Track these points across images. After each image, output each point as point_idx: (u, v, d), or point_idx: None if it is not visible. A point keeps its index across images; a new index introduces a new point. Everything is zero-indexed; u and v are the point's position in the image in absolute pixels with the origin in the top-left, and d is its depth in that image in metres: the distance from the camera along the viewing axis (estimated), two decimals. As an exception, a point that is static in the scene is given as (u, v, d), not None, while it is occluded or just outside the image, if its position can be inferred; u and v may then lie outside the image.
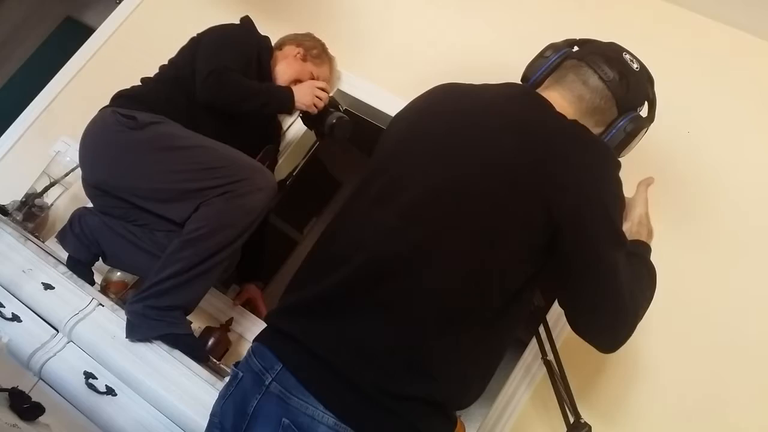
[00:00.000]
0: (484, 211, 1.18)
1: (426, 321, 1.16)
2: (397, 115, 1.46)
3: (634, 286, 1.25)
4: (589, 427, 1.57)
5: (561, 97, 1.34)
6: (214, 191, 1.75)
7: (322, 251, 1.34)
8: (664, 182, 2.01)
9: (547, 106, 1.30)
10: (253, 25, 2.23)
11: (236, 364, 1.29)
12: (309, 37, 2.32)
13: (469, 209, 1.19)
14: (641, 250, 1.37)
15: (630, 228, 1.41)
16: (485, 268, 1.17)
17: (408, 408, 1.13)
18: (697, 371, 1.88)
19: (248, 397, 1.19)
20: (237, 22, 2.21)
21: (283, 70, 2.18)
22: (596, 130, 1.35)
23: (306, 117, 2.17)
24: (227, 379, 1.79)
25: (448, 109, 1.35)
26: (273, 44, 2.27)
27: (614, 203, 1.22)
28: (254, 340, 1.28)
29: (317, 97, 2.07)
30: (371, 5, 2.61)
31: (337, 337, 1.17)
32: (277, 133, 2.37)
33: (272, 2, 2.66)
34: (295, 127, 2.45)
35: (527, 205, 1.17)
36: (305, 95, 2.05)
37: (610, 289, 1.20)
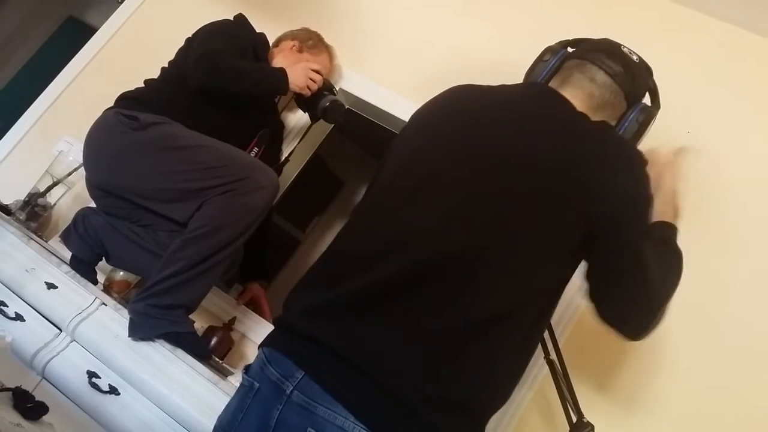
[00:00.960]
0: (522, 213, 1.17)
1: (469, 325, 1.11)
2: (414, 117, 1.42)
3: (662, 274, 1.23)
4: (592, 427, 1.57)
5: (572, 97, 1.33)
6: (216, 190, 1.76)
7: (344, 250, 1.29)
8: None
9: (569, 104, 1.30)
10: (247, 21, 2.24)
11: (247, 371, 1.23)
12: (304, 30, 2.33)
13: (510, 212, 1.17)
14: (668, 233, 1.32)
15: (657, 207, 1.34)
16: (525, 270, 1.16)
17: (445, 419, 1.08)
18: (702, 371, 1.88)
19: (269, 409, 1.12)
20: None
21: (280, 63, 2.18)
22: None
23: (300, 99, 2.19)
24: (231, 378, 1.80)
25: (469, 108, 1.34)
26: (270, 43, 2.28)
27: (646, 203, 1.22)
28: (264, 345, 1.22)
29: (311, 79, 2.08)
30: (373, 4, 2.61)
31: (369, 340, 1.11)
32: (280, 127, 2.37)
33: (274, 2, 2.66)
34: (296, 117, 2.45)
35: (565, 208, 1.16)
36: (299, 77, 2.05)
37: (639, 281, 1.19)
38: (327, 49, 2.34)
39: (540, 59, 1.47)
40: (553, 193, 1.17)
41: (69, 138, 2.56)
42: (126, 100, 2.00)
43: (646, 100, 1.48)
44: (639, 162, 1.24)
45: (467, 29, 2.47)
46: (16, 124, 2.75)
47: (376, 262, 1.17)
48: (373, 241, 1.23)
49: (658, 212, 1.36)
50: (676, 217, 1.38)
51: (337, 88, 2.39)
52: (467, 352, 1.10)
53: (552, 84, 1.41)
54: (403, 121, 2.19)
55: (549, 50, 1.47)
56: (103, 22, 2.88)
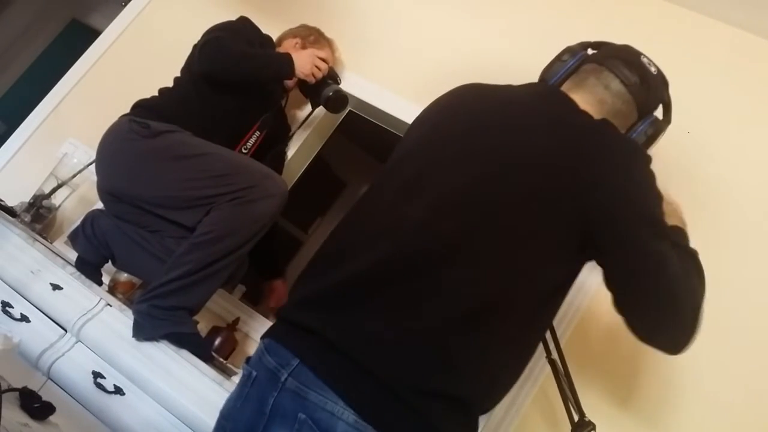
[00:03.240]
0: (516, 209, 1.17)
1: (454, 317, 1.12)
2: (421, 113, 1.45)
3: (687, 278, 1.21)
4: (594, 426, 1.57)
5: (583, 101, 1.33)
6: (225, 197, 1.77)
7: (338, 241, 1.31)
8: (663, 182, 2.02)
9: (573, 104, 1.30)
10: (251, 21, 2.25)
11: (248, 361, 1.26)
12: (303, 26, 2.35)
13: (502, 207, 1.18)
14: (679, 238, 1.32)
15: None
16: (516, 267, 1.16)
17: (432, 406, 1.10)
18: (702, 370, 1.88)
19: (265, 396, 1.15)
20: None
21: None
22: None
23: (304, 86, 2.20)
24: (234, 378, 1.81)
25: (474, 107, 1.35)
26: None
27: (650, 197, 1.20)
28: (264, 336, 1.25)
29: (316, 66, 2.09)
30: (375, 6, 2.62)
31: (359, 329, 1.13)
32: (286, 130, 2.39)
33: (276, 4, 2.67)
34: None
35: (560, 204, 1.16)
36: (305, 63, 2.06)
37: (662, 283, 1.16)
38: (328, 43, 2.35)
39: (558, 59, 1.46)
40: (546, 190, 1.17)
41: (73, 140, 2.57)
42: (139, 108, 2.01)
43: (659, 111, 1.47)
44: (639, 156, 1.23)
45: (470, 31, 2.48)
46: (20, 126, 2.76)
47: (365, 252, 1.20)
48: (365, 232, 1.26)
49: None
50: (684, 228, 1.39)
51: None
52: (452, 343, 1.12)
53: (566, 85, 1.41)
54: (404, 122, 2.21)
55: (568, 50, 1.46)
56: (107, 25, 2.89)
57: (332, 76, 2.20)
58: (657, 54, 1.57)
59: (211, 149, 1.88)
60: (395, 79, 2.44)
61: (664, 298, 1.18)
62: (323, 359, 1.12)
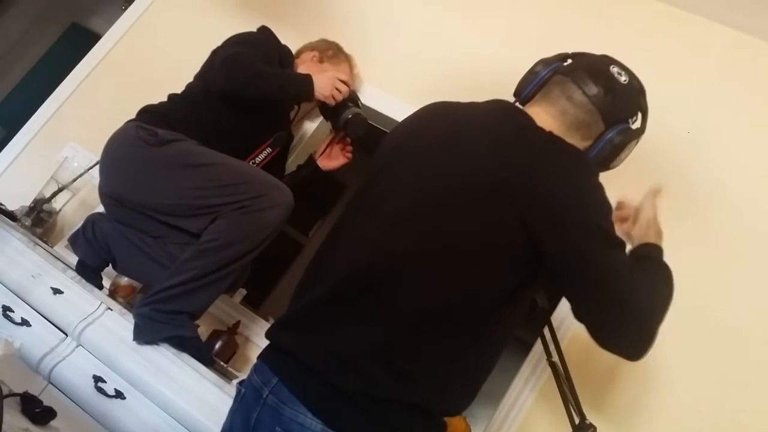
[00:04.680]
0: (461, 223, 1.21)
1: (409, 328, 1.20)
2: (390, 132, 1.50)
3: (643, 287, 1.23)
4: (594, 428, 1.58)
5: (545, 113, 1.36)
6: (232, 206, 1.77)
7: (316, 264, 1.39)
8: (662, 182, 2.02)
9: (528, 120, 1.32)
10: (272, 32, 2.24)
11: (241, 383, 1.35)
12: (322, 40, 2.34)
13: (448, 222, 1.22)
14: (650, 251, 1.37)
15: (637, 231, 1.42)
16: (464, 278, 1.20)
17: (390, 412, 1.17)
18: (703, 372, 1.88)
19: (250, 411, 1.25)
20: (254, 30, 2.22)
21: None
22: (583, 144, 1.37)
23: (324, 108, 2.17)
24: (234, 383, 1.81)
25: (433, 125, 1.39)
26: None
27: (594, 207, 1.22)
28: (257, 358, 1.34)
29: (337, 89, 2.06)
30: (375, 9, 2.63)
31: (323, 346, 1.22)
32: (290, 139, 2.37)
33: (279, 8, 2.67)
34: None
35: (503, 217, 1.19)
36: (325, 86, 2.03)
37: (611, 291, 1.19)
38: (347, 59, 2.34)
39: (531, 70, 1.48)
40: (493, 202, 1.20)
41: (74, 144, 2.57)
42: (147, 114, 2.00)
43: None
44: (582, 168, 1.25)
45: (469, 33, 2.48)
46: (21, 130, 2.76)
47: (330, 274, 1.29)
48: (334, 255, 1.34)
49: (640, 236, 1.41)
50: (659, 239, 1.41)
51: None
52: (402, 355, 1.19)
53: (537, 97, 1.43)
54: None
55: (542, 62, 1.47)
56: (108, 29, 2.89)
57: (353, 99, 2.16)
58: (656, 56, 1.57)
59: (218, 159, 1.88)
60: (394, 82, 2.44)
61: (616, 306, 1.20)
62: (295, 377, 1.22)
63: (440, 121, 1.39)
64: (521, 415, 1.94)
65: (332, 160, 2.24)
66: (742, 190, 2.05)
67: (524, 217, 1.18)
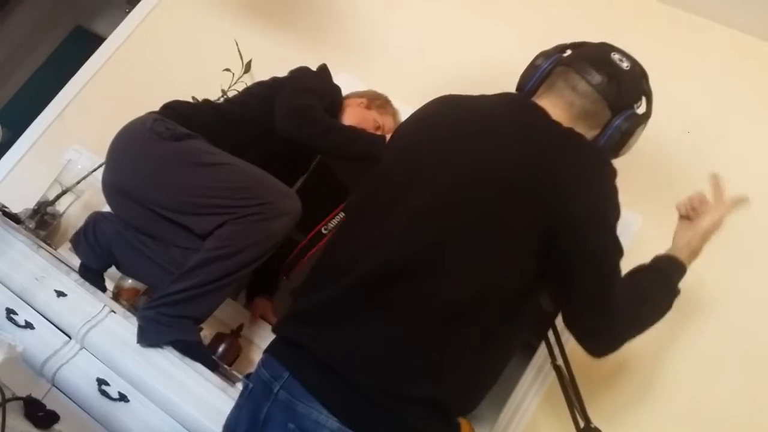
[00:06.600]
0: (485, 216, 1.20)
1: (429, 324, 1.18)
2: (399, 126, 1.49)
3: (639, 297, 1.27)
4: (599, 432, 1.57)
5: (552, 105, 1.35)
6: (240, 211, 1.75)
7: (328, 260, 1.37)
8: (663, 182, 2.02)
9: (542, 113, 1.32)
10: (329, 73, 2.26)
11: (248, 376, 1.33)
12: (371, 90, 2.33)
13: (471, 215, 1.21)
14: (671, 269, 1.39)
15: (679, 239, 1.45)
16: (489, 271, 1.19)
17: (409, 411, 1.15)
18: (710, 377, 1.87)
19: (260, 406, 1.22)
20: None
21: (347, 117, 2.19)
22: (591, 134, 1.37)
23: None
24: (239, 385, 1.81)
25: (447, 118, 1.38)
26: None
27: (611, 210, 1.23)
28: (264, 352, 1.32)
29: None
30: (376, 9, 2.63)
31: (341, 341, 1.20)
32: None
33: (282, 10, 2.67)
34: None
35: (525, 211, 1.19)
36: None
37: (605, 292, 1.22)
38: (394, 112, 2.32)
39: (532, 64, 1.47)
40: (515, 195, 1.20)
41: (78, 147, 2.58)
42: (169, 109, 1.99)
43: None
44: (604, 169, 1.26)
45: (471, 34, 2.49)
46: (24, 133, 2.77)
47: (349, 268, 1.25)
48: (349, 249, 1.31)
49: (677, 247, 1.42)
50: (690, 258, 1.42)
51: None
52: (425, 350, 1.18)
53: (540, 90, 1.42)
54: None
55: (542, 55, 1.47)
56: (111, 32, 2.90)
57: None
58: (657, 56, 1.57)
59: (230, 160, 1.87)
60: (396, 83, 2.44)
61: (604, 306, 1.23)
62: (310, 372, 1.19)
63: (453, 114, 1.38)
64: (525, 419, 1.93)
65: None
66: (743, 189, 2.04)
67: (546, 212, 1.18)
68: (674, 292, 1.37)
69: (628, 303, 1.25)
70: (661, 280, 1.36)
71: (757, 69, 2.18)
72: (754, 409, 1.83)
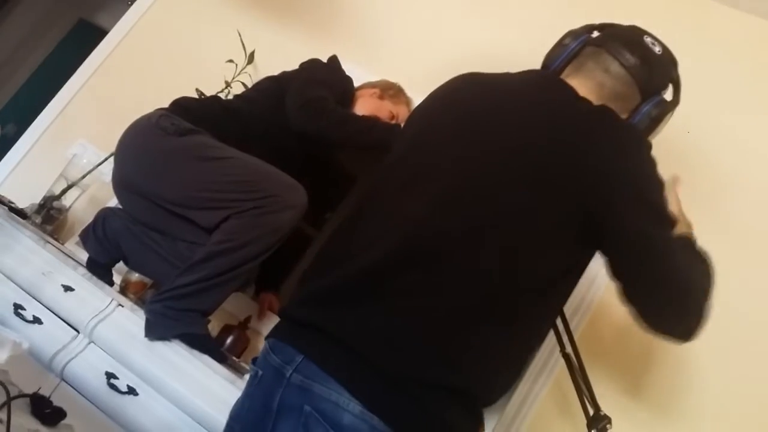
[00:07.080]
0: (515, 200, 1.16)
1: (458, 309, 1.14)
2: (418, 106, 1.45)
3: (693, 266, 1.20)
4: (609, 419, 1.56)
5: (581, 85, 1.31)
6: (245, 204, 1.75)
7: (341, 240, 1.32)
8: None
9: (571, 90, 1.28)
10: (340, 64, 2.25)
11: (254, 361, 1.28)
12: (384, 80, 2.32)
13: (502, 199, 1.17)
14: (688, 239, 1.31)
15: None
16: (517, 259, 1.15)
17: (436, 397, 1.11)
18: (718, 364, 1.86)
19: (272, 393, 1.16)
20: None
21: (361, 107, 2.18)
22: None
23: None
24: (247, 376, 1.81)
25: (470, 96, 1.34)
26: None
27: (650, 184, 1.19)
28: (269, 336, 1.27)
29: None
30: (385, 2, 2.61)
31: (363, 323, 1.14)
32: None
33: (284, 3, 2.65)
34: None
35: (560, 192, 1.15)
36: None
37: (668, 269, 1.16)
38: (407, 101, 2.31)
39: (560, 43, 1.43)
40: (545, 179, 1.16)
41: (83, 141, 2.58)
42: (176, 105, 1.99)
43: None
44: (639, 144, 1.22)
45: (480, 23, 2.47)
46: (29, 128, 2.77)
47: (368, 249, 1.20)
48: (366, 230, 1.26)
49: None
50: (690, 229, 1.37)
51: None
52: (455, 336, 1.13)
53: (567, 70, 1.38)
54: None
55: (570, 34, 1.43)
56: (114, 24, 2.89)
57: None
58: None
59: (236, 154, 1.86)
60: (404, 73, 2.42)
61: (670, 284, 1.17)
62: (326, 352, 1.14)
63: (476, 91, 1.34)
64: (535, 406, 1.93)
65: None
66: (743, 189, 2.03)
67: (583, 192, 1.14)
68: (706, 253, 1.29)
69: (688, 272, 1.18)
70: (693, 249, 1.27)
71: (757, 69, 2.16)
72: (761, 396, 1.82)
